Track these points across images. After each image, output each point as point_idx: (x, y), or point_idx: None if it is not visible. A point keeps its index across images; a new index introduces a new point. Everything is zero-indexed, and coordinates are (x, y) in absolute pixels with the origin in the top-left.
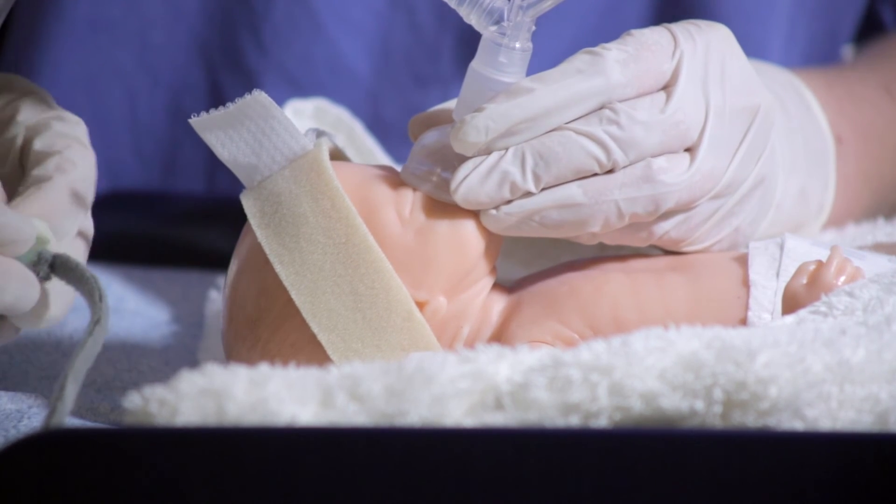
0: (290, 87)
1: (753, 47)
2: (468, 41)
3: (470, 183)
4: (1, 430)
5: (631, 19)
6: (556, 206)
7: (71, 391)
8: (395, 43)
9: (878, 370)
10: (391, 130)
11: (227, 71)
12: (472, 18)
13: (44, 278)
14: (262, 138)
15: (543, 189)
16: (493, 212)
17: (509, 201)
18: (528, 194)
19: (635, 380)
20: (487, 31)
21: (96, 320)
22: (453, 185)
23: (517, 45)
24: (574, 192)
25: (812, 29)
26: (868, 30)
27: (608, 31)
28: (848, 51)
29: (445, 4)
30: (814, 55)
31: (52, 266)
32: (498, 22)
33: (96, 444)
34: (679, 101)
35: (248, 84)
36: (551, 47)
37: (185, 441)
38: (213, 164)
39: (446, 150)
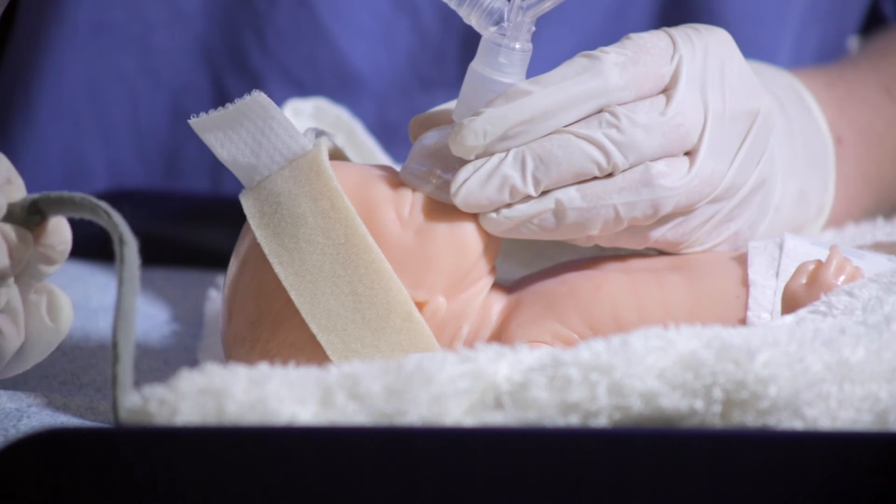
0: (294, 89)
1: (761, 51)
2: (473, 44)
3: (470, 187)
4: (0, 429)
5: (635, 24)
6: (555, 210)
7: (126, 348)
8: (399, 46)
9: (878, 369)
10: (396, 133)
11: (230, 73)
12: (472, 19)
13: (38, 224)
14: (261, 138)
15: (543, 192)
16: (493, 215)
17: (509, 204)
18: (528, 198)
19: (635, 379)
20: (487, 32)
21: (118, 239)
22: (453, 188)
23: (517, 46)
24: (573, 196)
25: (824, 29)
26: (871, 22)
27: (612, 35)
28: (853, 42)
29: (449, 7)
30: (825, 54)
31: (39, 210)
32: (498, 22)
33: (96, 443)
34: (679, 104)
35: (251, 86)
36: (555, 52)
37: (185, 440)
38: (217, 166)
39: (446, 151)
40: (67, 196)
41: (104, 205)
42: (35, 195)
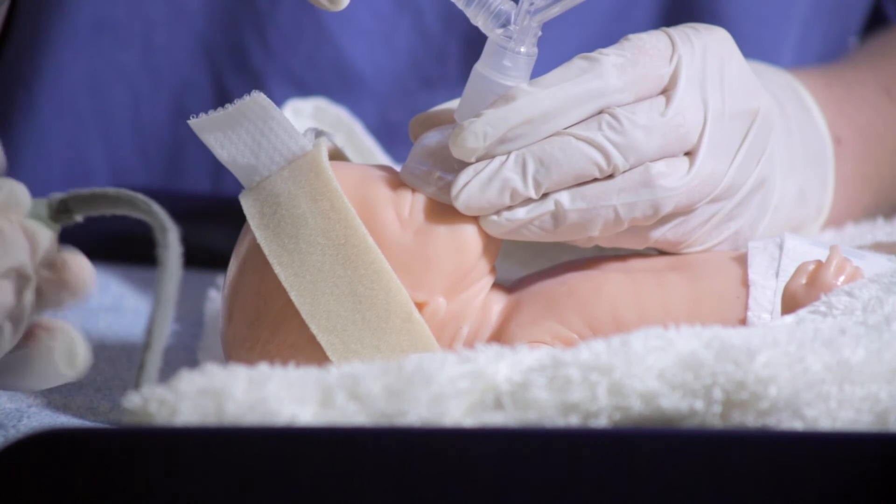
0: (296, 88)
1: (763, 51)
2: (474, 43)
3: (470, 190)
4: (0, 429)
5: (637, 24)
6: (555, 212)
7: (159, 344)
8: (400, 45)
9: (878, 370)
10: (396, 133)
11: (231, 72)
12: (478, 20)
13: (66, 224)
14: (260, 139)
15: (543, 195)
16: (494, 217)
17: (510, 207)
18: (529, 200)
19: (635, 379)
20: (493, 34)
21: (160, 227)
22: (454, 191)
23: (522, 50)
24: (573, 197)
25: (827, 29)
26: (873, 23)
27: (614, 35)
28: (854, 42)
29: (452, 6)
30: (827, 55)
31: (68, 209)
32: (504, 25)
33: (96, 443)
34: (679, 104)
35: (253, 85)
36: (557, 52)
37: (185, 441)
38: (217, 166)
39: (447, 151)
40: (100, 192)
41: (142, 196)
42: (63, 193)
